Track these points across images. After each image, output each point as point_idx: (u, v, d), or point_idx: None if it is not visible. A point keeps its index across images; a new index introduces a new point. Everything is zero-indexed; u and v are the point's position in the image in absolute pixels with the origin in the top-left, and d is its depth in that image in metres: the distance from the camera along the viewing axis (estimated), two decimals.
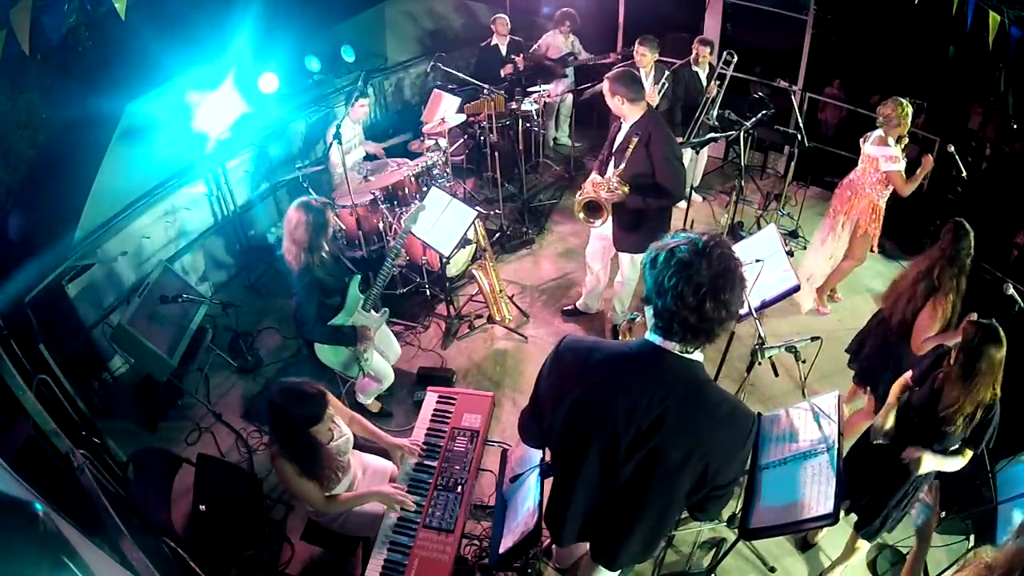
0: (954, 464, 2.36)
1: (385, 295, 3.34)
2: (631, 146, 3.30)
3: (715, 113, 5.08)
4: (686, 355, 1.50)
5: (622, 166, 3.35)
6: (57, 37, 2.61)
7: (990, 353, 2.17)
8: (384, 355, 3.49)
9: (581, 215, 3.49)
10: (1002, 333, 2.19)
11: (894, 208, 4.12)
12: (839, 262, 4.28)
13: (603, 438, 1.61)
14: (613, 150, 3.52)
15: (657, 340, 1.51)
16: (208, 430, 3.69)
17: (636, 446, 1.57)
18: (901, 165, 3.74)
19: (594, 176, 3.55)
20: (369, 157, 5.14)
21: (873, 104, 4.04)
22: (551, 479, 1.97)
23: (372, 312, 3.27)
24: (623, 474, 1.63)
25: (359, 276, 3.18)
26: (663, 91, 4.90)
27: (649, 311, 1.50)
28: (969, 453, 2.36)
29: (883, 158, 3.75)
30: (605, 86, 3.31)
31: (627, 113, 3.34)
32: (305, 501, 2.38)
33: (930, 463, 2.32)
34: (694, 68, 5.11)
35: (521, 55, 5.87)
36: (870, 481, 2.54)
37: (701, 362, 1.54)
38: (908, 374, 2.57)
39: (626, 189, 3.34)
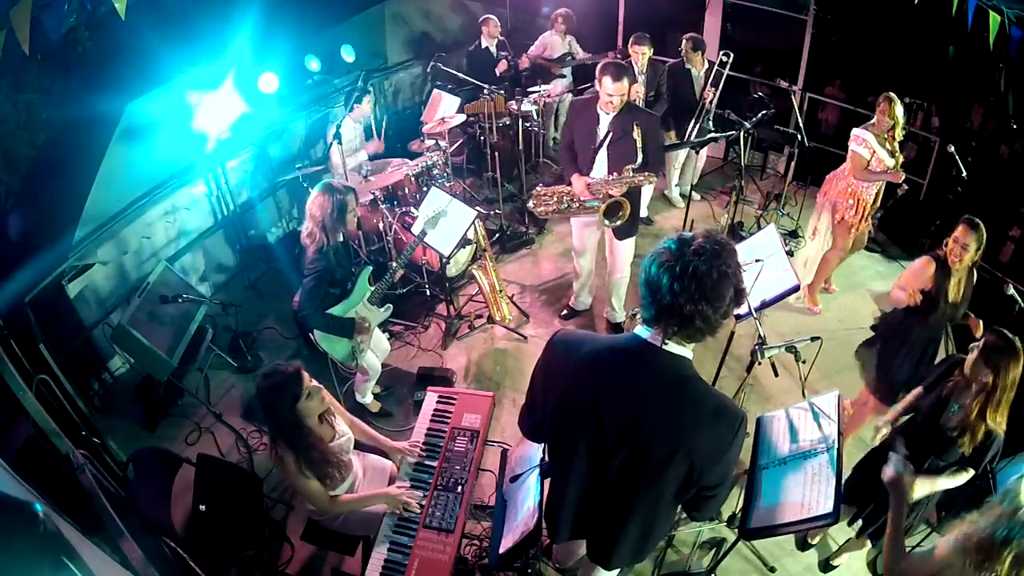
0: (952, 483, 2.36)
1: (386, 294, 3.35)
2: (637, 136, 3.35)
3: (711, 119, 5.08)
4: (674, 351, 1.50)
5: (639, 159, 3.40)
6: (57, 37, 2.61)
7: (1010, 368, 2.14)
8: (372, 350, 3.49)
9: (607, 222, 3.55)
10: (1020, 347, 2.16)
11: (894, 208, 4.12)
12: (825, 252, 4.28)
13: (590, 431, 1.62)
14: (599, 146, 3.49)
15: (645, 334, 1.52)
16: (208, 430, 3.69)
17: (622, 440, 1.57)
18: (864, 150, 3.81)
19: (584, 179, 3.55)
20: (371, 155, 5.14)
21: (872, 103, 4.06)
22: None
23: (377, 307, 3.29)
24: (611, 469, 1.63)
25: (370, 268, 3.20)
26: (659, 87, 4.89)
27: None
28: (970, 472, 2.34)
29: (853, 139, 3.87)
30: (625, 80, 3.26)
31: (623, 102, 3.36)
32: (309, 500, 2.37)
33: (922, 490, 2.27)
34: (687, 66, 5.05)
35: (524, 56, 5.87)
36: (875, 490, 2.53)
37: (689, 359, 1.53)
38: (920, 390, 2.55)
39: (654, 178, 3.48)
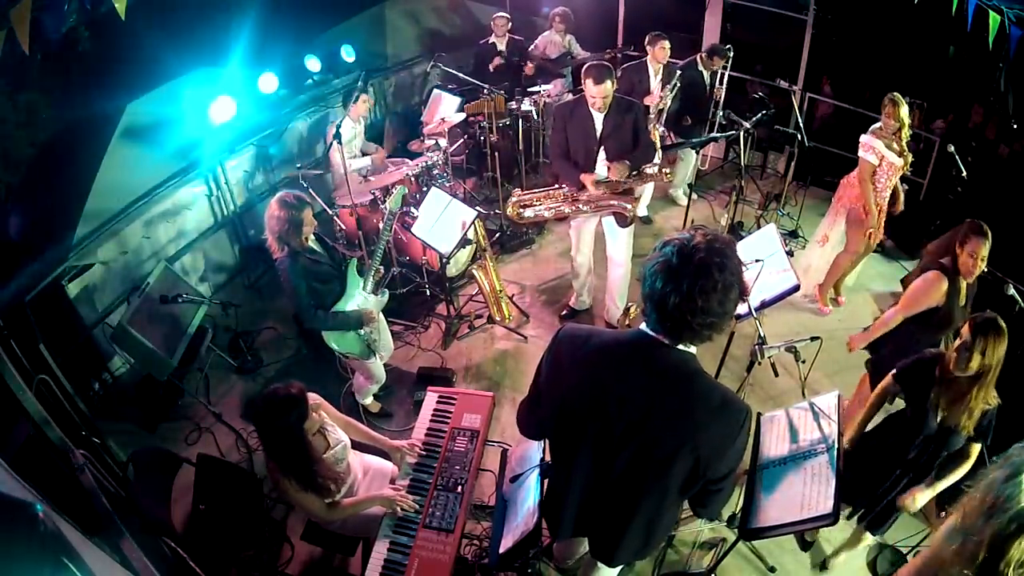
0: (958, 475, 2.37)
1: (379, 282, 3.35)
2: (655, 131, 3.54)
3: (721, 113, 5.15)
4: (680, 347, 1.51)
5: (656, 155, 3.63)
6: (57, 37, 2.61)
7: (996, 346, 2.15)
8: (381, 352, 3.48)
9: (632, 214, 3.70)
10: (1003, 324, 2.17)
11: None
12: (836, 255, 4.27)
13: (596, 426, 1.62)
14: (598, 144, 3.55)
15: (650, 331, 1.53)
16: (208, 430, 3.69)
17: (628, 435, 1.58)
18: (872, 157, 3.80)
19: (591, 177, 3.58)
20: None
21: (869, 99, 4.07)
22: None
23: (373, 295, 3.28)
24: (618, 464, 1.64)
25: (354, 260, 3.19)
26: (676, 90, 4.90)
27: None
28: (977, 447, 2.35)
29: (862, 146, 3.86)
30: (607, 83, 3.32)
31: (609, 102, 3.43)
32: (309, 514, 2.37)
33: (923, 498, 2.37)
34: (699, 67, 5.15)
35: (529, 64, 5.87)
36: (877, 492, 2.53)
37: (694, 354, 1.54)
38: (890, 380, 2.53)
39: (672, 175, 3.72)
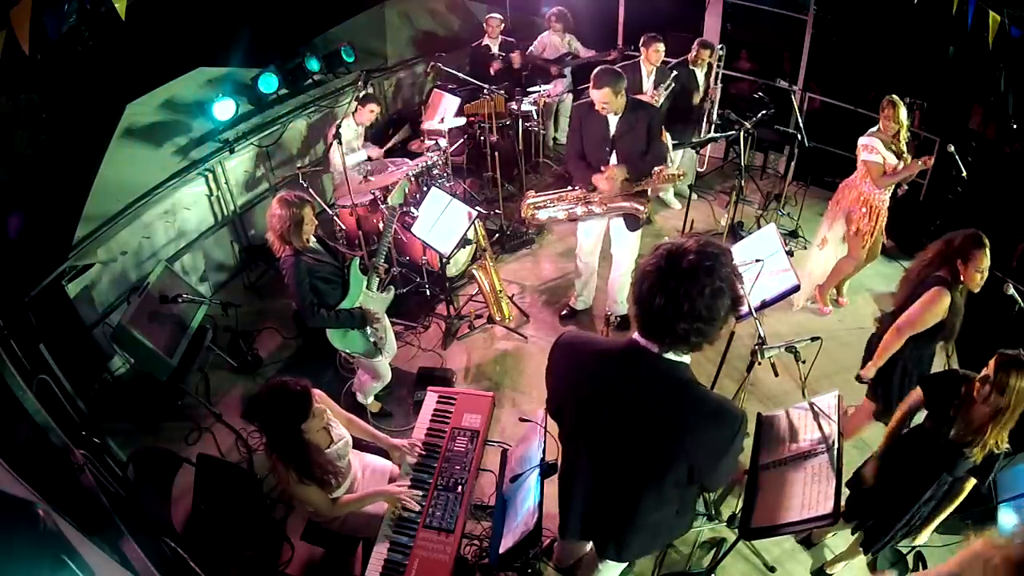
0: (951, 509, 2.39)
1: (382, 279, 3.34)
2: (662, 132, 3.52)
3: (716, 113, 5.14)
4: (672, 358, 1.50)
5: (668, 155, 3.67)
6: (57, 37, 2.61)
7: (1018, 384, 2.09)
8: (386, 353, 3.48)
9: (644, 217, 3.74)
10: None
11: (895, 208, 4.11)
12: (838, 259, 4.26)
13: (591, 433, 1.64)
14: (611, 145, 3.55)
15: (641, 340, 1.51)
16: (208, 430, 3.69)
17: (621, 443, 1.58)
18: (877, 157, 3.77)
19: (603, 176, 3.59)
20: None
21: (870, 100, 4.06)
22: (551, 479, 1.98)
23: (378, 293, 3.28)
24: (614, 470, 1.65)
25: (357, 259, 3.20)
26: (670, 91, 4.90)
27: None
28: (972, 483, 2.34)
29: (863, 148, 3.83)
30: (605, 89, 3.32)
31: (619, 105, 3.42)
32: (309, 507, 2.37)
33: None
34: (691, 67, 5.13)
35: (518, 52, 5.86)
36: (877, 504, 2.53)
37: (686, 363, 1.53)
38: (918, 392, 2.51)
39: (687, 176, 3.70)
